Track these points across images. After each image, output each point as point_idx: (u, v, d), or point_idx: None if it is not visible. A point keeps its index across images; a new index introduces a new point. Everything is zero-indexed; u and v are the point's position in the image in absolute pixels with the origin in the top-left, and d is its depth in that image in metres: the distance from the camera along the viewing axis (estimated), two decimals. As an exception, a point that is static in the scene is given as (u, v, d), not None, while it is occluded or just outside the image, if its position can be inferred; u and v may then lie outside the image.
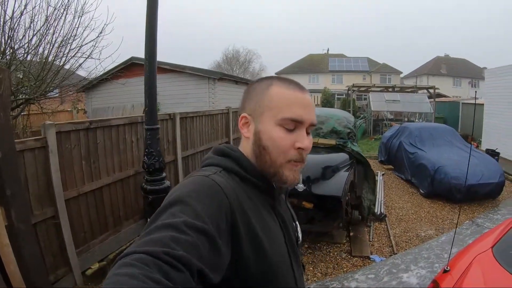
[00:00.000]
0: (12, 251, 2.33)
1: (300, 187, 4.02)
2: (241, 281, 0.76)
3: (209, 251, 0.65)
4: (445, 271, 1.99)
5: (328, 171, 4.43)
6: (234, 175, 0.88)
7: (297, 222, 1.12)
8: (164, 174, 3.60)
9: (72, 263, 3.56)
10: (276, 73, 41.83)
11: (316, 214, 4.41)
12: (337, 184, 4.28)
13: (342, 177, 4.42)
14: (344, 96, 29.75)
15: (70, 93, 8.14)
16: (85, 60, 6.64)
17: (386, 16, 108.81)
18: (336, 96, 32.05)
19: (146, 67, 3.55)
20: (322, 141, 5.32)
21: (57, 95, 7.86)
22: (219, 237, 0.68)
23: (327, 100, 29.03)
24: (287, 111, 0.87)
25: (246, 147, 0.94)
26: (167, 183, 3.76)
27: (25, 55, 5.95)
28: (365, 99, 27.12)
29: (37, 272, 2.57)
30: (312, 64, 42.27)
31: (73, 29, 6.31)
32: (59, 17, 6.05)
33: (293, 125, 0.87)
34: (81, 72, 7.35)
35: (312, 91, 31.32)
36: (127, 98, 11.15)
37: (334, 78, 40.11)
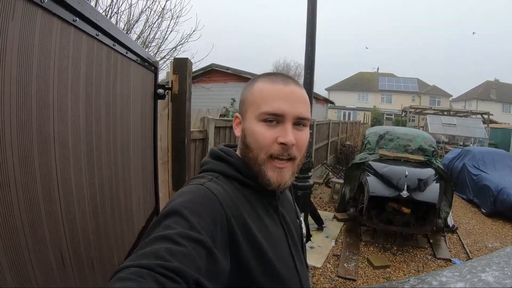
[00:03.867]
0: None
1: (405, 193, 4.88)
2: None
3: (205, 261, 0.64)
4: None
5: (424, 182, 5.22)
6: (233, 180, 0.86)
7: (301, 219, 1.09)
8: (310, 173, 4.18)
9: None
10: (326, 89, 41.73)
11: (411, 218, 5.22)
12: (433, 193, 5.10)
13: (436, 188, 5.22)
14: (393, 116, 29.99)
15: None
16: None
17: (436, 37, 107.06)
18: (385, 116, 32.05)
19: (307, 79, 4.01)
20: (412, 156, 6.16)
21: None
22: (215, 246, 0.67)
23: (377, 119, 29.11)
24: (266, 105, 0.84)
25: (239, 148, 0.93)
26: (312, 181, 4.29)
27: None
28: (413, 120, 27.23)
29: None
30: (362, 82, 42.23)
31: (165, 32, 6.42)
32: (156, 20, 6.20)
33: (274, 119, 0.83)
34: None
35: (361, 109, 31.48)
36: (203, 102, 11.40)
37: (384, 98, 39.94)
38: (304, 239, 1.06)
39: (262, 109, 0.84)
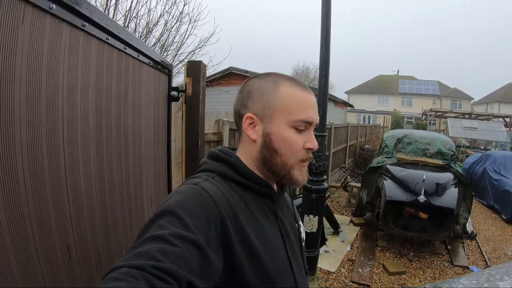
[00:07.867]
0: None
1: (422, 198, 4.78)
2: None
3: (199, 261, 0.64)
4: None
5: (441, 187, 5.10)
6: (229, 180, 0.86)
7: (300, 223, 1.08)
8: (325, 176, 4.08)
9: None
10: (345, 92, 41.37)
11: (428, 224, 5.13)
12: (451, 198, 4.98)
13: (454, 193, 5.11)
14: (413, 119, 29.48)
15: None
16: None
17: (457, 39, 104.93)
18: (405, 119, 31.51)
19: (322, 82, 3.95)
20: (430, 160, 6.05)
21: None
22: (209, 247, 0.67)
23: (397, 122, 28.62)
24: (301, 113, 0.86)
25: (249, 151, 0.91)
26: (326, 184, 4.16)
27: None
28: (434, 124, 26.78)
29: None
30: (382, 85, 41.79)
31: (183, 36, 6.64)
32: (175, 24, 6.38)
33: (304, 126, 0.87)
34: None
35: (381, 113, 31.15)
36: (222, 105, 10.92)
37: (404, 101, 39.43)
38: (303, 243, 1.05)
39: (298, 117, 0.86)
